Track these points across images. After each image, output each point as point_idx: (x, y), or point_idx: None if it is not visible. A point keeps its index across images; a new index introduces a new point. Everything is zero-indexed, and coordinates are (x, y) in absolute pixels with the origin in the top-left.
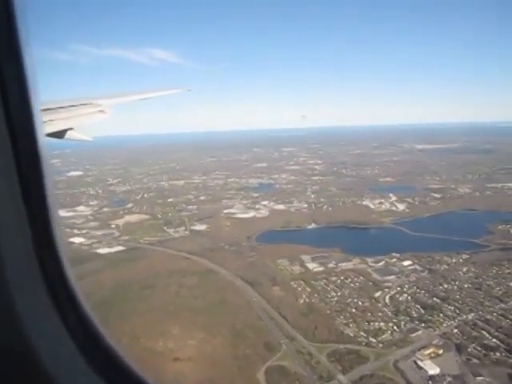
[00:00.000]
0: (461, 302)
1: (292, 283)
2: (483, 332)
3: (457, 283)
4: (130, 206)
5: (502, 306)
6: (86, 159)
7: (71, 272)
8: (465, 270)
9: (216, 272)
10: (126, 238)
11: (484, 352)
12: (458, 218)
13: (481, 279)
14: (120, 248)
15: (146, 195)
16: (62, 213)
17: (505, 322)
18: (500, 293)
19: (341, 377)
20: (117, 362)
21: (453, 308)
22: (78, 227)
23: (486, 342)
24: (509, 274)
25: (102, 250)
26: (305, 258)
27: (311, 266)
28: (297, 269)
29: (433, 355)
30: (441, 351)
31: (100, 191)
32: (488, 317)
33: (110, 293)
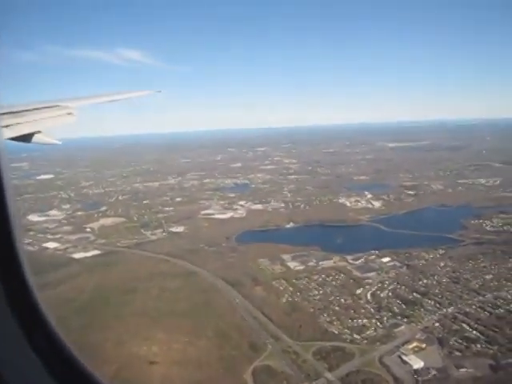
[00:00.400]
0: (440, 297)
1: (274, 283)
2: (463, 325)
3: (435, 278)
4: (104, 209)
5: (480, 298)
6: (56, 162)
7: (35, 286)
8: (442, 264)
9: (197, 274)
10: (102, 241)
11: (465, 344)
12: (433, 214)
13: (458, 273)
14: (96, 252)
15: (120, 198)
16: (34, 217)
17: (483, 315)
18: (477, 286)
19: (328, 374)
20: (79, 371)
21: (433, 302)
22: (51, 232)
23: (466, 334)
24: (484, 267)
25: (78, 255)
26: (285, 257)
27: (292, 264)
28: (278, 268)
29: (416, 349)
30: (424, 345)
31: (72, 194)
32: (467, 310)
33: (90, 298)
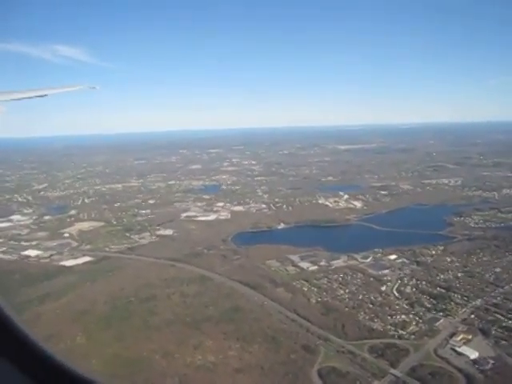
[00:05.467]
0: (463, 290)
1: (294, 284)
2: (497, 315)
3: (450, 273)
4: (73, 212)
5: (501, 290)
6: None
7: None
8: (449, 260)
9: (210, 278)
10: (88, 247)
11: (507, 333)
12: (415, 213)
13: (468, 268)
14: (87, 259)
15: (86, 200)
16: None
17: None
18: (492, 279)
19: (393, 371)
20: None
21: (459, 296)
22: (24, 238)
23: (504, 324)
24: (488, 261)
25: (68, 262)
26: (293, 257)
27: (304, 265)
28: (291, 269)
29: (465, 341)
30: (470, 336)
31: (30, 198)
32: (494, 301)
33: (108, 308)
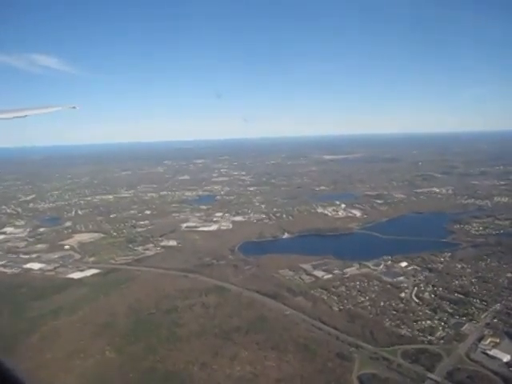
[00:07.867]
0: (481, 295)
1: (312, 292)
2: None
3: (464, 279)
4: (68, 224)
5: None
6: None
7: None
8: (459, 266)
9: (227, 288)
10: (92, 259)
11: None
12: (414, 221)
13: (480, 273)
14: (95, 271)
15: (80, 212)
16: None
17: None
18: (506, 283)
19: (431, 375)
20: None
21: (478, 301)
22: (23, 251)
23: None
24: (498, 267)
25: (75, 275)
26: (306, 266)
27: (318, 273)
28: (306, 278)
29: (493, 344)
30: (498, 340)
31: (19, 209)
32: None
33: (131, 321)
